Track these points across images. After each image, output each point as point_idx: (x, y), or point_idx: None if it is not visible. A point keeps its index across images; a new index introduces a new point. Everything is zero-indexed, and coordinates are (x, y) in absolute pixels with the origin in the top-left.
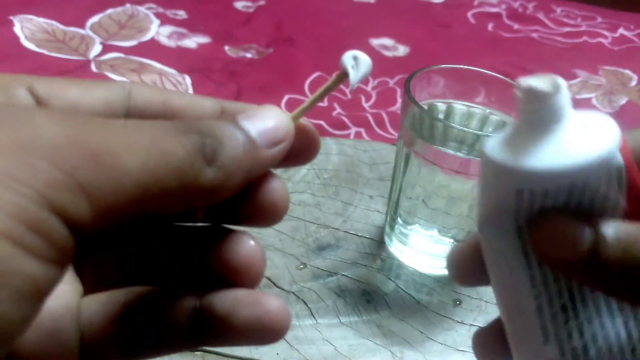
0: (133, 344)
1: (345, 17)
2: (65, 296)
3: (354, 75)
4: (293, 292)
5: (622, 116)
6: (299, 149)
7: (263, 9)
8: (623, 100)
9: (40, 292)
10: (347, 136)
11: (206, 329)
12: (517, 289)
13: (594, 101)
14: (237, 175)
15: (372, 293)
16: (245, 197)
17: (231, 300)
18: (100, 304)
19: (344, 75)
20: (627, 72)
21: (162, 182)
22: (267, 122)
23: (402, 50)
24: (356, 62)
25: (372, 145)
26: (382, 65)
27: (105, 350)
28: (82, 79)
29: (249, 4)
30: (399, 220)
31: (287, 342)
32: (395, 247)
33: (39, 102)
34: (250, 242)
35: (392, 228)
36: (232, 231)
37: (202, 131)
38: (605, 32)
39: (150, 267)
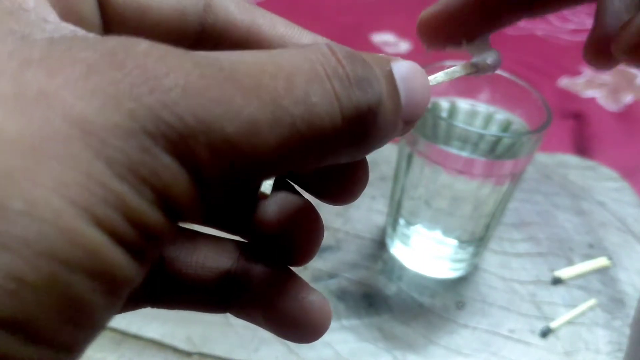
0: (154, 289)
1: (346, 13)
2: None
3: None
4: None
5: (628, 114)
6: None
7: (262, 5)
8: (628, 98)
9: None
10: None
11: (233, 298)
12: None
13: (599, 99)
14: (376, 143)
15: (374, 295)
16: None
17: (270, 280)
18: None
19: (472, 67)
20: (633, 69)
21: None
22: (417, 91)
23: (403, 46)
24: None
25: None
26: None
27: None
28: None
29: None
30: (401, 221)
31: (287, 345)
32: (397, 249)
33: None
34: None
35: (394, 229)
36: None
37: (367, 83)
38: None
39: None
